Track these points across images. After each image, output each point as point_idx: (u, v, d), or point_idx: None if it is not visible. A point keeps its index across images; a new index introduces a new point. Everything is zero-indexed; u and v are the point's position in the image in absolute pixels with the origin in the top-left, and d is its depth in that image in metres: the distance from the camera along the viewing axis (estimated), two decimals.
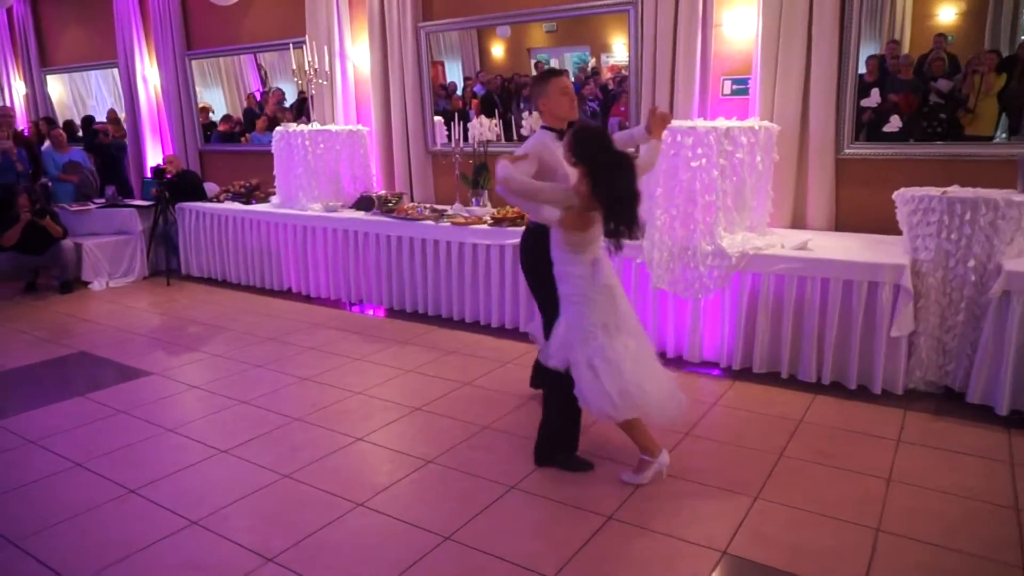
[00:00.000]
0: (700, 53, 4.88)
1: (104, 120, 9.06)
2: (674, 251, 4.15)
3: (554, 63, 5.86)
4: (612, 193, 2.69)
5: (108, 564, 2.51)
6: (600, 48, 5.62)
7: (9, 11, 9.71)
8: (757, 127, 4.23)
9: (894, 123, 4.47)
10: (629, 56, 5.25)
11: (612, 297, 2.88)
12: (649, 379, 2.86)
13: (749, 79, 4.84)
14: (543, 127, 3.12)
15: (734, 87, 4.98)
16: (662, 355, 4.40)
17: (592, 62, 5.69)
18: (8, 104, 9.92)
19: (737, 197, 4.17)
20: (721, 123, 4.11)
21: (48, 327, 5.59)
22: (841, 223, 4.67)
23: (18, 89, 10.22)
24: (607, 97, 5.59)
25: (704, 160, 4.01)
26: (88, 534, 2.71)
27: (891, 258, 3.73)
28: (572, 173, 2.88)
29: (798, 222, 4.77)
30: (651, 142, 3.13)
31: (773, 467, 3.10)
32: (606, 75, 5.60)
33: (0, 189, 7.04)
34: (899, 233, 3.94)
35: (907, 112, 4.43)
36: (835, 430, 3.45)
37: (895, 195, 3.88)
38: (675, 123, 4.17)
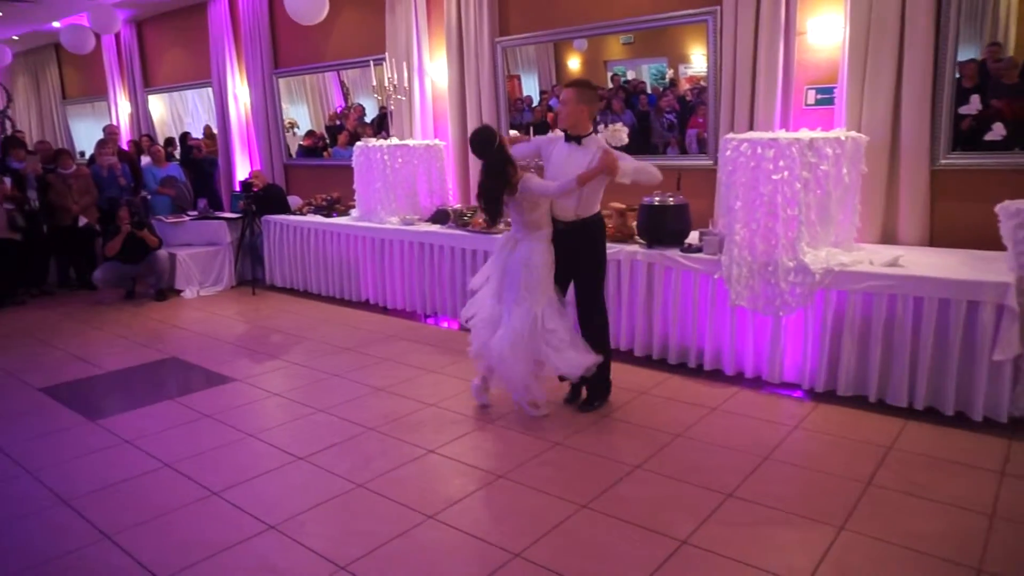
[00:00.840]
0: (782, 62, 4.73)
1: (200, 136, 9.56)
2: (754, 267, 4.02)
3: (631, 75, 5.80)
4: None
5: (191, 563, 2.61)
6: (678, 59, 5.53)
7: (117, 36, 10.38)
8: (843, 138, 4.05)
9: (997, 131, 4.19)
10: (708, 67, 5.15)
11: None
12: None
13: (835, 88, 4.65)
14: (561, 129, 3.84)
15: (818, 97, 4.79)
16: (740, 375, 4.27)
17: (670, 73, 5.60)
18: (114, 123, 10.60)
19: (821, 211, 4.00)
20: (805, 134, 3.96)
21: (143, 333, 5.90)
22: (936, 238, 4.41)
23: (123, 108, 10.91)
24: (685, 108, 5.49)
25: (786, 173, 3.86)
26: (174, 533, 2.83)
27: (993, 275, 3.49)
28: (556, 165, 3.73)
29: (888, 237, 4.53)
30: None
31: (860, 496, 2.94)
32: (684, 86, 5.50)
33: (105, 202, 7.54)
34: (1001, 249, 3.69)
35: (1011, 119, 4.15)
36: (929, 459, 3.24)
37: (999, 208, 3.63)
38: (755, 135, 4.05)
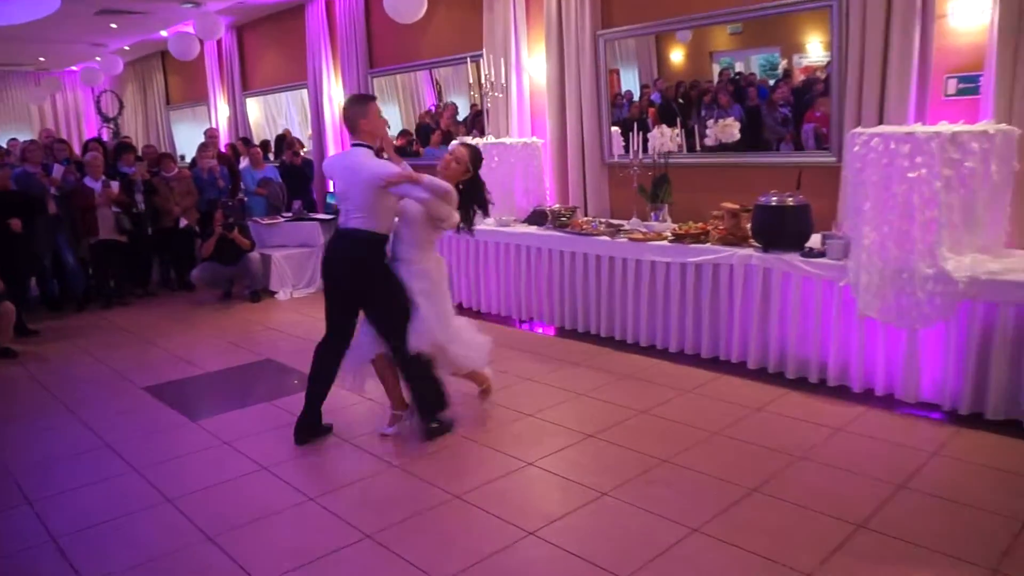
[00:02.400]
0: (918, 49, 4.45)
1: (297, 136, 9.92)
2: (886, 274, 3.79)
3: (739, 67, 5.62)
4: (480, 195, 4.03)
5: (287, 570, 2.68)
6: (792, 48, 5.30)
7: (218, 42, 10.98)
8: (992, 131, 3.76)
9: None
10: (831, 55, 4.90)
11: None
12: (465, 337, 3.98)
13: (981, 76, 4.33)
14: (358, 144, 3.70)
15: (960, 86, 4.48)
16: (869, 392, 4.03)
17: (783, 64, 5.39)
18: (213, 126, 11.20)
19: (965, 213, 3.72)
20: (945, 127, 3.70)
21: (239, 334, 6.17)
22: None
23: (222, 112, 11.52)
24: (800, 102, 5.26)
25: (924, 170, 3.62)
26: (271, 537, 2.92)
27: None
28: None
29: None
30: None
31: (1015, 536, 2.70)
32: (798, 78, 5.27)
33: (205, 204, 7.95)
34: None
35: None
36: None
37: None
38: (888, 129, 3.83)
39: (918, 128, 3.77)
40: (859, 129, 3.98)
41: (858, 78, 4.69)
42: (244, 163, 8.99)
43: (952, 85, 4.54)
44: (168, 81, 13.53)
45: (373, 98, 3.94)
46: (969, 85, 4.45)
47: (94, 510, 3.20)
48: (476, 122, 7.34)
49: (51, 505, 3.28)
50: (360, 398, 4.42)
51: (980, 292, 3.56)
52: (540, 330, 5.84)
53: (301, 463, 3.59)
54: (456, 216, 3.77)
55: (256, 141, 10.49)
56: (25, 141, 8.43)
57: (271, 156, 10.14)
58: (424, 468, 3.46)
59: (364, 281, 3.69)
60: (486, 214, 4.31)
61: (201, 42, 10.34)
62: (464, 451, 3.64)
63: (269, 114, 10.93)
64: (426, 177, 3.59)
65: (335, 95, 9.18)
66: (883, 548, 2.66)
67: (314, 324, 6.40)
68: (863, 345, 4.02)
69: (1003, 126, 3.91)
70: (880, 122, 4.53)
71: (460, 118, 7.81)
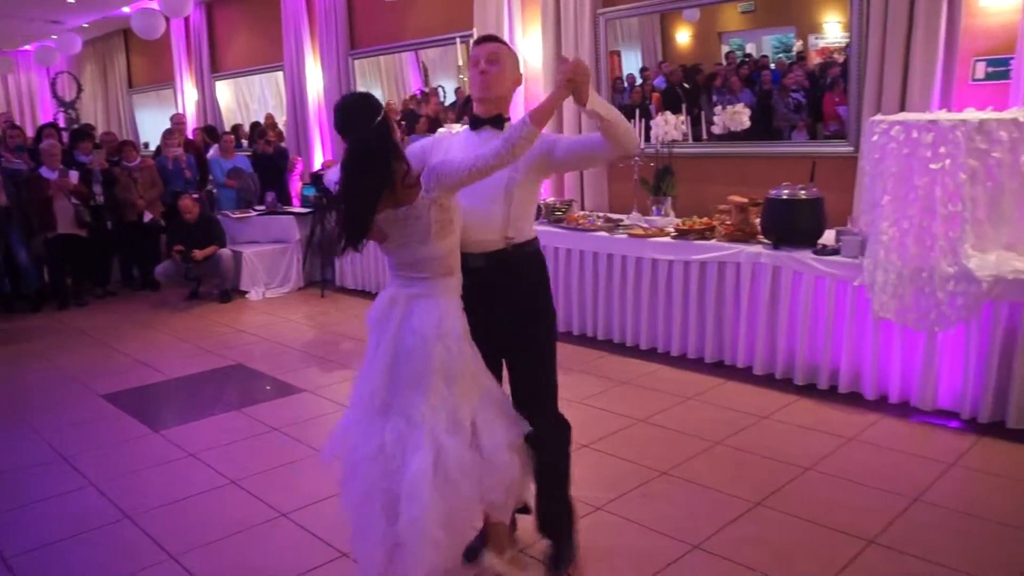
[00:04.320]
0: (944, 30, 4.51)
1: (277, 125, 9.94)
2: (904, 273, 3.84)
3: (750, 48, 5.67)
4: None
5: None
6: (807, 28, 5.37)
7: (186, 19, 11.00)
8: (1023, 119, 3.82)
9: None
10: (851, 36, 4.96)
11: None
12: None
13: (1012, 59, 4.40)
14: None
15: (990, 70, 4.54)
16: (883, 399, 4.10)
17: (798, 45, 5.45)
18: (180, 111, 11.23)
19: (992, 207, 3.78)
20: (972, 115, 3.76)
21: (207, 337, 6.21)
22: None
23: (190, 95, 11.55)
24: (816, 86, 5.32)
25: (948, 161, 3.68)
26: (242, 557, 2.96)
27: None
28: None
29: None
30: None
31: None
32: (814, 60, 5.33)
33: (170, 196, 7.98)
34: None
35: None
36: None
37: None
38: (910, 116, 3.89)
39: (942, 115, 3.83)
40: (879, 116, 4.04)
41: (879, 61, 4.75)
42: (213, 151, 9.02)
43: (981, 69, 4.60)
44: (131, 62, 13.54)
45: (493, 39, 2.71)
46: (1000, 69, 4.50)
47: (49, 528, 3.24)
48: (466, 108, 7.38)
49: (1, 523, 3.32)
50: (337, 406, 4.46)
51: (1005, 292, 3.62)
52: None
53: (273, 477, 3.63)
54: None
55: (227, 127, 10.52)
56: None
57: (244, 143, 10.14)
58: None
59: None
60: None
61: (167, 19, 10.37)
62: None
63: (241, 99, 10.96)
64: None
65: (313, 78, 9.22)
66: (897, 565, 2.71)
67: (289, 326, 6.44)
68: (877, 349, 4.08)
69: None
70: (901, 109, 4.59)
71: (447, 102, 7.87)
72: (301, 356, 5.61)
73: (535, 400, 2.59)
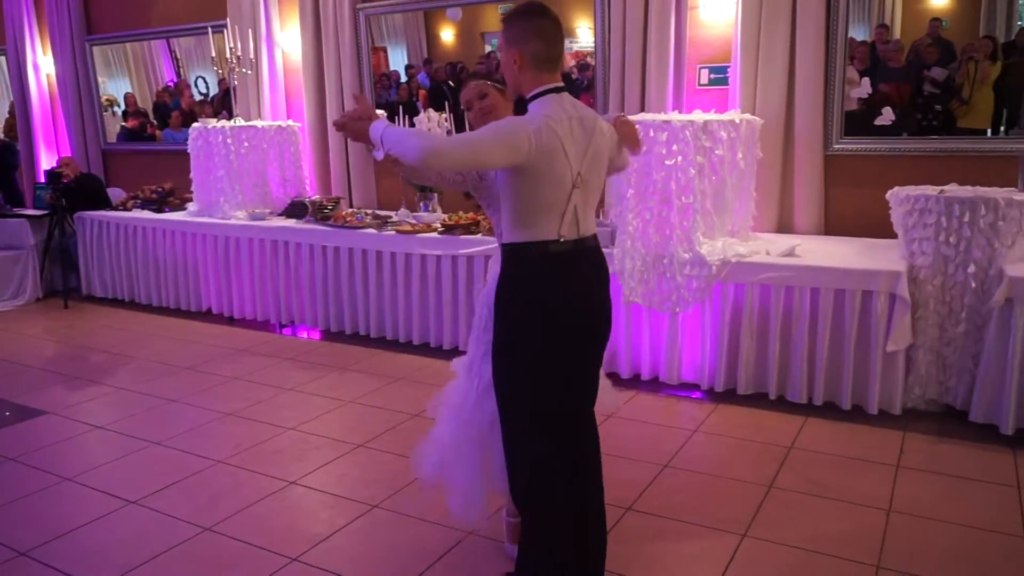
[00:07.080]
0: (674, 39, 4.98)
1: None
2: (648, 260, 4.22)
3: None
4: None
5: None
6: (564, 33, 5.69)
7: None
8: (738, 120, 4.32)
9: (886, 115, 4.61)
10: (595, 42, 5.33)
11: None
12: None
13: (728, 67, 4.95)
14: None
15: (712, 76, 5.09)
16: (636, 377, 4.46)
17: None
18: None
19: (717, 198, 4.25)
20: (698, 116, 4.19)
21: None
22: (831, 226, 4.79)
23: None
24: (572, 87, 5.66)
25: (680, 158, 4.08)
26: None
27: (886, 264, 3.84)
28: None
29: (784, 226, 4.89)
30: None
31: (762, 500, 3.15)
32: (569, 62, 5.67)
33: None
34: (894, 236, 4.06)
35: (899, 104, 4.58)
36: (829, 456, 3.53)
37: (889, 195, 4.00)
38: (648, 116, 4.25)
39: (675, 116, 4.23)
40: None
41: (621, 65, 5.16)
42: None
43: (704, 75, 5.14)
44: None
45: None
46: (719, 76, 5.07)
47: None
48: (225, 101, 7.02)
49: None
50: (88, 426, 4.07)
51: (730, 274, 4.09)
52: (304, 334, 5.75)
53: (13, 511, 3.25)
54: None
55: None
56: None
57: None
58: (167, 502, 3.28)
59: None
60: None
61: None
62: (212, 477, 3.50)
63: None
64: None
65: (42, 64, 8.30)
66: (653, 526, 2.99)
67: (26, 342, 5.78)
68: (630, 331, 4.43)
69: (748, 116, 4.51)
70: (642, 109, 5.02)
71: (204, 95, 7.43)
72: (42, 374, 5.05)
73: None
